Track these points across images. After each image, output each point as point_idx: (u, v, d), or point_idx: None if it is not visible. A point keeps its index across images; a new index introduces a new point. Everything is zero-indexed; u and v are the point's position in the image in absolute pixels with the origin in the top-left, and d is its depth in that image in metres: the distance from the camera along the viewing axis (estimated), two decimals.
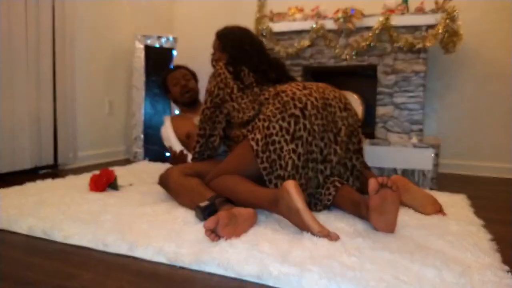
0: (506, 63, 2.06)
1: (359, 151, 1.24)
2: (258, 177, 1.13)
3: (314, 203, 1.17)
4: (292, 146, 1.08)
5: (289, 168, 1.07)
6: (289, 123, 1.08)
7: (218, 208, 1.01)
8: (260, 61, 1.32)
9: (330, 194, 1.14)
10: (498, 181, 1.95)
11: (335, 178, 1.17)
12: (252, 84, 1.28)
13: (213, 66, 1.41)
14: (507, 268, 0.79)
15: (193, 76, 1.89)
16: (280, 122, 1.09)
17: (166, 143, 1.85)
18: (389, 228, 0.98)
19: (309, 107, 1.10)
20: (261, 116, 1.15)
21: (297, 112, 1.09)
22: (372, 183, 0.93)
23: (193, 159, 1.37)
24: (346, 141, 1.18)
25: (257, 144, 1.10)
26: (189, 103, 1.82)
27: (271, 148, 1.09)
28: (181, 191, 1.17)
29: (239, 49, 1.35)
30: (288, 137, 1.08)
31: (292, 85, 1.19)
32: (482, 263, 0.80)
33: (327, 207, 1.16)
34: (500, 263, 0.81)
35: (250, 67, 1.30)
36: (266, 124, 1.11)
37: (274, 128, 1.09)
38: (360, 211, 1.03)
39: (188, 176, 1.21)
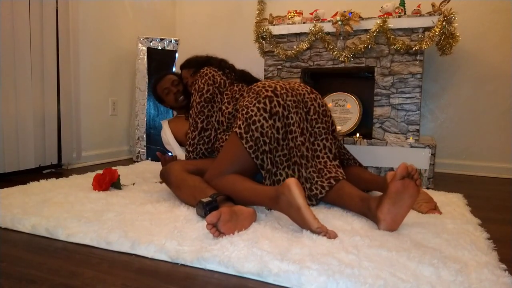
0: (502, 64, 2.08)
1: (333, 133, 1.29)
2: (253, 169, 1.17)
3: (308, 196, 1.19)
4: (271, 122, 1.16)
5: (272, 141, 1.16)
6: (264, 103, 1.17)
7: (219, 206, 1.02)
8: (233, 66, 1.49)
9: (323, 188, 1.16)
10: (494, 180, 1.97)
11: (331, 174, 1.18)
12: (233, 80, 1.43)
13: (191, 89, 1.48)
14: (504, 266, 0.79)
15: (180, 79, 1.89)
16: (257, 104, 1.18)
17: (167, 147, 1.86)
18: (393, 225, 0.97)
19: (278, 88, 1.21)
20: (239, 109, 1.25)
21: (270, 93, 1.19)
22: (401, 168, 0.93)
23: (188, 152, 1.39)
24: (319, 120, 1.26)
25: (240, 128, 1.18)
26: (186, 105, 1.82)
27: (253, 127, 1.16)
28: (182, 186, 1.19)
29: (212, 58, 1.51)
30: (266, 115, 1.16)
31: (263, 81, 1.33)
32: (479, 261, 0.80)
33: (318, 199, 1.20)
34: (497, 261, 0.82)
35: (228, 68, 1.46)
36: (244, 111, 1.20)
37: (252, 111, 1.18)
38: (368, 206, 1.03)
39: (190, 173, 1.23)
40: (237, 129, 1.18)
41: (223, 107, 1.38)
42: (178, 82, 1.74)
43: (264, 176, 1.17)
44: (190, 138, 1.39)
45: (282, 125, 1.17)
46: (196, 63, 1.56)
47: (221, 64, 1.47)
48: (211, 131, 1.37)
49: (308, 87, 1.31)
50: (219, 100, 1.39)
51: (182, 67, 1.64)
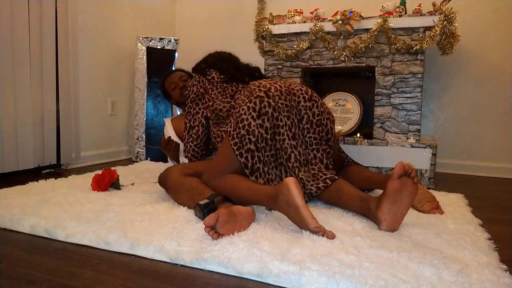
0: (503, 64, 2.08)
1: (327, 142, 1.27)
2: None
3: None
4: (259, 121, 1.15)
5: (259, 140, 1.14)
6: (255, 103, 1.17)
7: (217, 207, 1.01)
8: (228, 67, 1.51)
9: (319, 189, 1.15)
10: (495, 180, 1.97)
11: (327, 176, 1.18)
12: (221, 81, 1.47)
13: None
14: (505, 267, 0.79)
15: (190, 76, 1.90)
16: (248, 104, 1.18)
17: None
18: (394, 224, 0.97)
19: (272, 89, 1.20)
20: (234, 109, 1.27)
21: (262, 94, 1.18)
22: (398, 167, 0.93)
23: (184, 151, 1.45)
24: (311, 130, 1.24)
25: (230, 127, 1.20)
26: None
27: (240, 125, 1.16)
28: (181, 189, 1.18)
29: (204, 62, 1.57)
30: (254, 114, 1.16)
31: (262, 79, 1.31)
32: (480, 262, 0.80)
33: (310, 198, 1.20)
34: (498, 262, 0.82)
35: (218, 70, 1.50)
36: (236, 109, 1.21)
37: (243, 109, 1.18)
38: (368, 206, 1.03)
39: (188, 176, 1.22)
40: (228, 128, 1.21)
41: (210, 104, 1.42)
42: (186, 78, 1.79)
43: (250, 175, 1.15)
44: (184, 139, 1.46)
45: (271, 126, 1.16)
46: (197, 65, 1.62)
47: (203, 68, 1.52)
48: (199, 127, 1.43)
49: (308, 93, 1.26)
50: (205, 98, 1.43)
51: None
